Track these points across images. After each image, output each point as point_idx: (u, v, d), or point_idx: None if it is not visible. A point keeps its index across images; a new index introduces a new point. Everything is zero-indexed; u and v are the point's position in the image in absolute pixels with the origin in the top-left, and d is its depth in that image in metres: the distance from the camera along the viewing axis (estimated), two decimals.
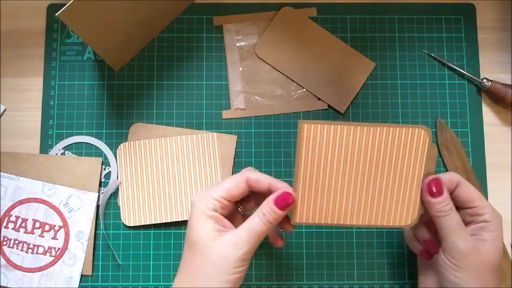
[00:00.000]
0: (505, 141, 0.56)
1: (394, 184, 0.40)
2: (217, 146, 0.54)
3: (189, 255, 0.39)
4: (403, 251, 0.53)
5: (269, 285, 0.52)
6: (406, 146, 0.40)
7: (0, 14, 0.56)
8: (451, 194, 0.42)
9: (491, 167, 0.55)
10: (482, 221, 0.41)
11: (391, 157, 0.40)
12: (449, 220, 0.40)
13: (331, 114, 0.55)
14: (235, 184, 0.41)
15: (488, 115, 0.56)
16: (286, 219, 0.41)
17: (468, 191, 0.42)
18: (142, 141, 0.54)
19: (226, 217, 0.41)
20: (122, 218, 0.53)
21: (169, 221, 0.52)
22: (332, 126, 0.39)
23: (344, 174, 0.40)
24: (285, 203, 0.39)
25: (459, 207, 0.42)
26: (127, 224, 0.52)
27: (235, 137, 0.54)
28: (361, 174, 0.40)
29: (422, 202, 0.41)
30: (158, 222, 0.52)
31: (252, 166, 0.54)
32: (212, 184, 0.53)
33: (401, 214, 0.41)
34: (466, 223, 0.42)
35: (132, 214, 0.53)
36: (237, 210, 0.43)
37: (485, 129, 0.55)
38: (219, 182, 0.42)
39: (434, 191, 0.40)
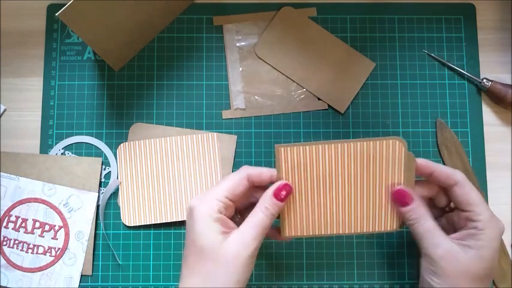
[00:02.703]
0: (505, 141, 0.56)
1: (375, 194, 0.42)
2: (217, 146, 0.54)
3: (198, 260, 0.39)
4: (403, 250, 0.53)
5: (269, 285, 0.52)
6: (382, 158, 0.41)
7: (0, 14, 0.56)
8: (448, 191, 0.42)
9: (491, 167, 0.55)
10: (473, 227, 0.40)
11: (369, 170, 0.42)
12: (419, 227, 0.40)
13: (331, 114, 0.55)
14: (237, 182, 0.41)
15: (488, 115, 0.56)
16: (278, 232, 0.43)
17: (466, 193, 0.41)
18: (142, 141, 0.54)
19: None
20: (121, 218, 0.53)
21: (169, 221, 0.52)
22: (307, 147, 0.41)
23: (326, 189, 0.42)
24: (285, 194, 0.41)
25: (456, 207, 0.42)
26: (127, 224, 0.52)
27: (235, 137, 0.54)
28: (342, 187, 0.42)
29: None
30: (158, 222, 0.52)
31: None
32: (212, 184, 0.53)
33: (386, 220, 0.42)
34: (460, 226, 0.41)
35: (132, 214, 0.53)
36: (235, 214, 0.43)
37: (485, 129, 0.55)
38: (219, 182, 0.43)
39: (400, 201, 0.41)
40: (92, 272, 0.52)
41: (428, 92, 0.56)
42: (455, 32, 0.57)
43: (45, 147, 0.54)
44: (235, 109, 0.55)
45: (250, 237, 0.39)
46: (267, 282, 0.52)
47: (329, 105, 0.55)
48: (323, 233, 0.43)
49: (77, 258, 0.52)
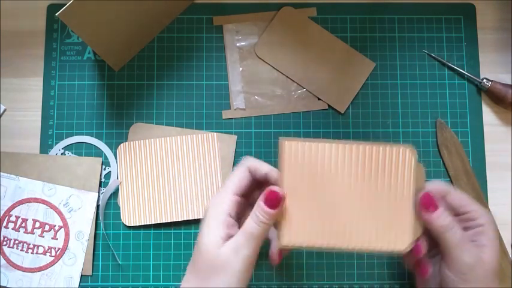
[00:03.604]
0: (505, 141, 0.56)
1: (384, 206, 0.39)
2: (217, 146, 0.54)
3: (196, 260, 0.39)
4: None
5: (269, 285, 0.52)
6: (391, 165, 0.39)
7: (0, 14, 0.56)
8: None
9: (491, 167, 0.55)
10: (479, 225, 0.40)
11: (377, 177, 0.39)
12: (454, 234, 0.39)
13: (331, 114, 0.55)
14: (241, 176, 0.40)
15: (488, 115, 0.56)
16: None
17: (458, 196, 0.41)
18: (142, 141, 0.54)
19: (242, 217, 0.40)
20: (121, 218, 0.53)
21: (169, 221, 0.52)
22: (313, 144, 0.38)
23: (331, 193, 0.38)
24: (274, 201, 0.38)
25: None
26: (127, 224, 0.52)
27: (235, 137, 0.54)
28: (349, 194, 0.38)
29: (421, 222, 0.39)
30: (158, 222, 0.52)
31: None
32: (212, 184, 0.53)
33: (395, 238, 0.39)
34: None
35: (132, 214, 0.53)
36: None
37: (485, 129, 0.55)
38: (225, 180, 0.42)
39: (429, 206, 0.39)
40: (92, 272, 0.52)
41: (428, 92, 0.56)
42: (455, 32, 0.57)
43: (45, 147, 0.54)
44: (235, 109, 0.55)
45: (241, 244, 0.38)
46: (267, 282, 0.52)
47: (329, 105, 0.55)
48: (325, 244, 0.38)
49: (77, 258, 0.52)
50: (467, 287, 0.39)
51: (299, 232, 0.38)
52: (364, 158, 0.39)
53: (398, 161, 0.39)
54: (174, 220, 0.52)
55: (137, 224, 0.53)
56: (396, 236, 0.39)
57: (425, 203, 0.39)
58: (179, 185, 0.53)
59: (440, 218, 0.39)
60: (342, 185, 0.39)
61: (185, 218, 0.52)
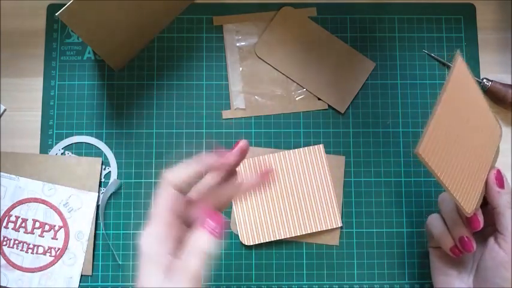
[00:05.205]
0: (505, 141, 0.55)
1: (475, 166, 0.40)
2: (324, 157, 0.53)
3: None
4: (403, 251, 0.53)
5: (269, 285, 0.52)
6: (488, 134, 0.42)
7: (0, 14, 0.56)
8: None
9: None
10: None
11: (481, 139, 0.41)
12: None
13: (331, 114, 0.55)
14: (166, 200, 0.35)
15: None
16: None
17: (509, 185, 0.43)
18: (250, 159, 0.53)
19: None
20: (240, 238, 0.52)
21: (286, 237, 0.52)
22: (475, 86, 0.40)
23: (462, 132, 0.38)
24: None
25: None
26: (246, 244, 0.52)
27: (343, 157, 0.54)
28: (468, 141, 0.39)
29: (481, 197, 0.42)
30: (276, 239, 0.52)
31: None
32: (326, 198, 0.53)
33: (466, 198, 0.39)
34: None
35: (250, 233, 0.52)
36: None
37: None
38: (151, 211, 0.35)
39: (501, 182, 0.42)
40: (92, 272, 0.52)
41: (428, 92, 0.56)
42: (455, 32, 0.57)
43: (45, 147, 0.54)
44: (235, 109, 0.55)
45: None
46: (267, 282, 0.52)
47: (329, 105, 0.55)
48: (442, 178, 0.37)
49: (77, 258, 0.52)
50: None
51: (433, 152, 0.36)
52: (482, 118, 0.41)
53: (493, 133, 0.42)
54: (288, 236, 0.52)
55: (256, 243, 0.52)
56: (468, 196, 0.40)
57: (499, 179, 0.42)
58: (293, 200, 0.53)
59: (508, 195, 0.41)
60: (469, 130, 0.39)
61: (302, 233, 0.52)
